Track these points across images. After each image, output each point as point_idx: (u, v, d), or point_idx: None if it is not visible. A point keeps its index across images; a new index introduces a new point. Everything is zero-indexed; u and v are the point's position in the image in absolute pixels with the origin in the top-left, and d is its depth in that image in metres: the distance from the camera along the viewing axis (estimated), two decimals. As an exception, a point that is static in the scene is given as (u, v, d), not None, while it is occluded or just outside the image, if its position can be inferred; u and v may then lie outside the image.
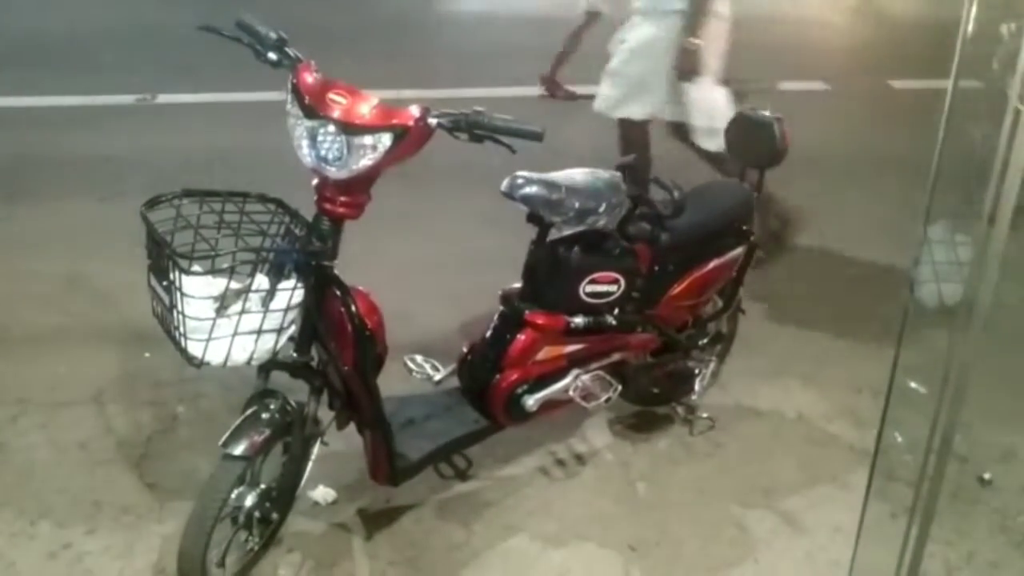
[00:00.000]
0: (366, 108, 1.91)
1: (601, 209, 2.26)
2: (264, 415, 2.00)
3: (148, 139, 5.04)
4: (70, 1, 8.04)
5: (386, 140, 1.87)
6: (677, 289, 2.53)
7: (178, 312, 1.82)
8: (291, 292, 1.90)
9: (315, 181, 1.97)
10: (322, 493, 2.42)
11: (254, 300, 1.86)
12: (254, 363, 1.94)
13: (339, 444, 2.33)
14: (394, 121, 1.89)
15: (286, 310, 1.90)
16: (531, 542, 2.35)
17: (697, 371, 2.77)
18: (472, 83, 5.87)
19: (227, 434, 1.95)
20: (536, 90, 5.82)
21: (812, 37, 7.57)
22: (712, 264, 2.58)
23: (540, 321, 2.33)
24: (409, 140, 1.90)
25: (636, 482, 2.58)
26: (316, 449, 2.20)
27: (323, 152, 1.89)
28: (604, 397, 2.49)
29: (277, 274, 1.91)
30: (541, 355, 2.37)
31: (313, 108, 1.90)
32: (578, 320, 2.36)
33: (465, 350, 2.47)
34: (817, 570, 2.29)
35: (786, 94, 5.90)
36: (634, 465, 2.64)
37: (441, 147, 2.02)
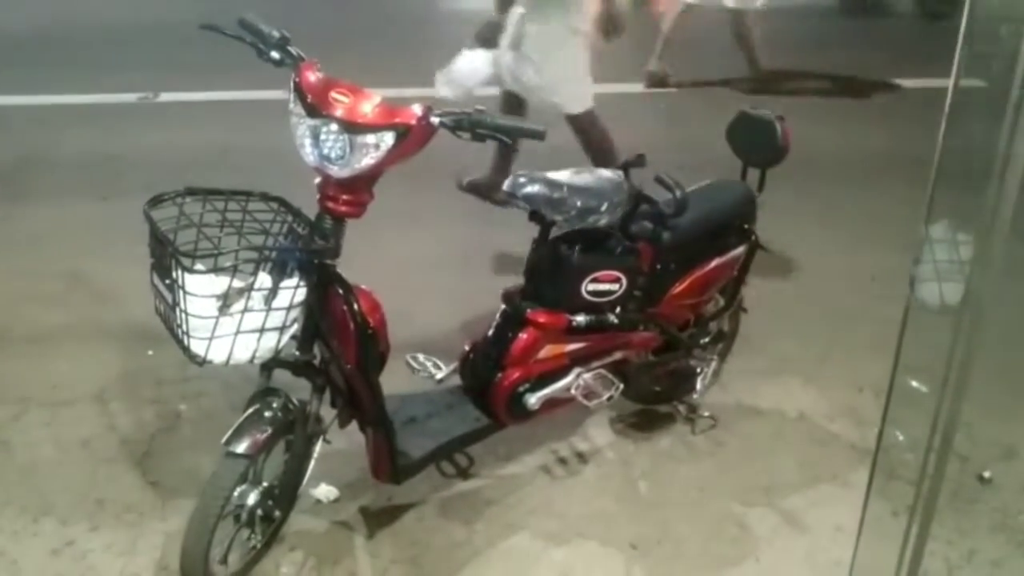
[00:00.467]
0: (368, 107, 1.91)
1: (603, 208, 2.26)
2: (267, 413, 2.01)
3: (150, 138, 5.05)
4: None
5: (388, 139, 1.88)
6: (679, 288, 2.53)
7: (181, 310, 1.82)
8: (294, 290, 1.90)
9: (318, 180, 1.97)
10: (324, 491, 2.42)
11: (257, 298, 1.87)
12: (256, 361, 1.95)
13: (341, 442, 2.33)
14: (396, 120, 1.89)
15: (289, 308, 1.90)
16: (533, 540, 2.35)
17: (699, 370, 2.77)
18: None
19: (229, 432, 1.96)
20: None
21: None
22: (714, 263, 2.58)
23: (542, 320, 2.33)
24: (411, 139, 1.90)
25: (638, 481, 2.59)
26: (318, 447, 2.21)
27: (326, 151, 1.90)
28: (606, 396, 2.49)
29: (280, 272, 1.91)
30: (543, 353, 2.37)
31: (316, 107, 1.91)
32: (580, 319, 2.36)
33: (467, 348, 2.48)
34: (818, 569, 2.29)
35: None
36: (636, 464, 2.65)
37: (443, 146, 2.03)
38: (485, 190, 4.23)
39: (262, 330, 1.88)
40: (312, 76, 1.96)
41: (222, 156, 4.69)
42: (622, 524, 2.41)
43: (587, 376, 2.45)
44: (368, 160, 1.89)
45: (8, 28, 7.24)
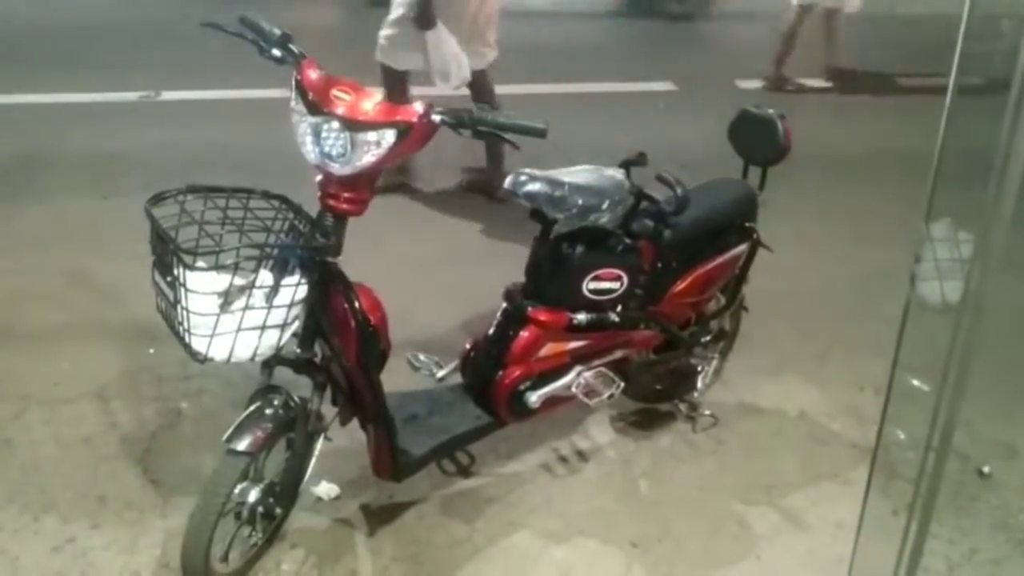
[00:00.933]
0: (370, 104, 1.91)
1: (604, 206, 2.26)
2: (268, 411, 2.01)
3: (151, 136, 5.06)
4: (74, -2, 8.05)
5: (390, 137, 1.88)
6: (680, 286, 2.54)
7: (182, 308, 1.82)
8: (295, 288, 1.90)
9: (319, 177, 1.97)
10: (325, 489, 2.42)
11: (258, 296, 1.87)
12: (258, 359, 1.95)
13: (342, 440, 2.34)
14: (398, 118, 1.89)
15: (290, 306, 1.90)
16: (533, 538, 2.35)
17: (700, 368, 2.77)
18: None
19: (231, 430, 1.96)
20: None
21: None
22: (715, 261, 2.58)
23: (543, 318, 2.33)
24: (413, 136, 1.90)
25: (638, 479, 2.59)
26: (319, 445, 2.21)
27: (327, 148, 1.90)
28: (607, 394, 2.49)
29: (281, 270, 1.92)
30: (544, 352, 2.37)
31: (317, 105, 1.91)
32: (581, 317, 2.36)
33: (468, 346, 2.48)
34: (819, 567, 2.29)
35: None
36: (636, 462, 2.65)
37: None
38: (486, 187, 4.25)
39: (263, 327, 1.88)
40: (313, 74, 1.96)
41: (223, 155, 4.69)
42: (623, 522, 2.42)
43: (588, 374, 2.45)
44: (369, 158, 1.89)
45: (8, 26, 7.24)
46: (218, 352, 1.85)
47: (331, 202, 1.96)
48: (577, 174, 2.28)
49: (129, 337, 3.12)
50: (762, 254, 2.71)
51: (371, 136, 1.87)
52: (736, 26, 8.53)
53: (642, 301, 2.49)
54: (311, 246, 1.94)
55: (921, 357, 1.56)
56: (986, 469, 2.59)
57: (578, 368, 2.44)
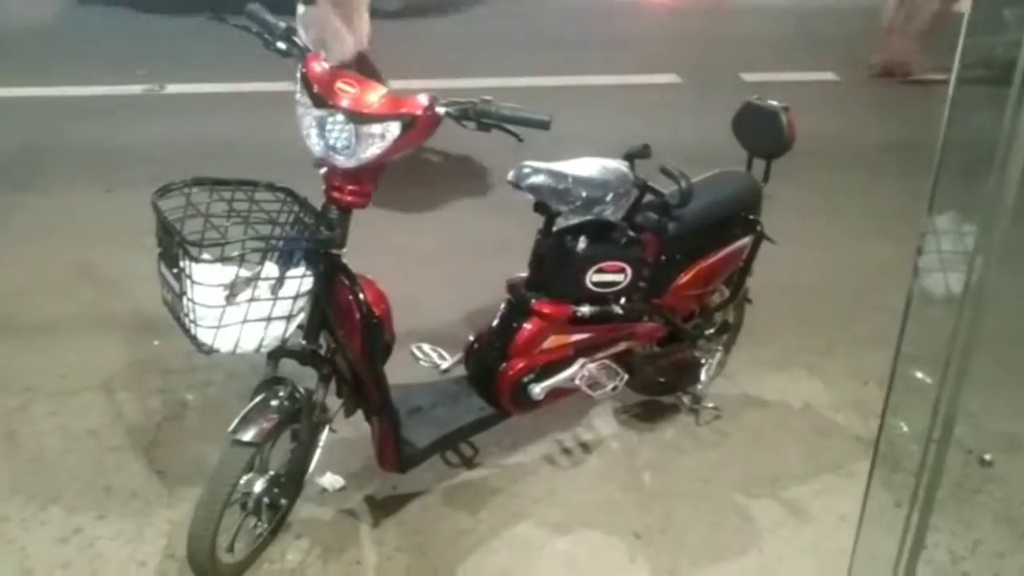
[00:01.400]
0: (374, 97, 1.92)
1: (608, 198, 2.27)
2: (273, 402, 2.02)
3: (156, 129, 5.06)
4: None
5: (394, 129, 1.88)
6: (684, 278, 2.54)
7: (188, 299, 1.83)
8: (300, 280, 1.91)
9: (323, 170, 1.98)
10: (330, 480, 2.43)
11: (263, 288, 1.88)
12: (263, 350, 1.96)
13: (347, 431, 2.35)
14: (402, 110, 1.90)
15: (295, 298, 1.91)
16: (537, 529, 2.36)
17: (703, 361, 2.78)
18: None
19: (236, 420, 1.97)
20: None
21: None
22: (719, 254, 2.58)
23: (547, 310, 2.34)
24: (417, 129, 1.91)
25: (642, 471, 2.59)
26: (324, 436, 2.22)
27: (332, 141, 1.90)
28: (610, 386, 2.50)
29: (286, 262, 1.93)
30: (548, 344, 2.38)
31: (322, 97, 1.91)
32: (585, 309, 2.37)
33: (472, 339, 2.49)
34: (822, 559, 2.30)
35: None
36: (640, 454, 2.65)
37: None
38: None
39: (269, 319, 1.89)
40: (318, 67, 1.96)
41: (228, 147, 4.70)
42: (626, 513, 2.42)
43: (592, 366, 2.46)
44: (374, 150, 1.89)
45: (12, 20, 7.24)
46: (224, 344, 1.87)
47: (336, 194, 1.96)
48: (581, 166, 2.28)
49: (134, 329, 3.14)
50: (766, 246, 2.71)
51: (376, 129, 1.88)
52: (739, 19, 8.51)
53: (646, 293, 2.49)
54: (316, 238, 1.95)
55: (924, 349, 1.56)
56: (988, 457, 2.59)
57: (582, 360, 2.44)
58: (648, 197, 2.38)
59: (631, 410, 2.82)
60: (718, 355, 2.82)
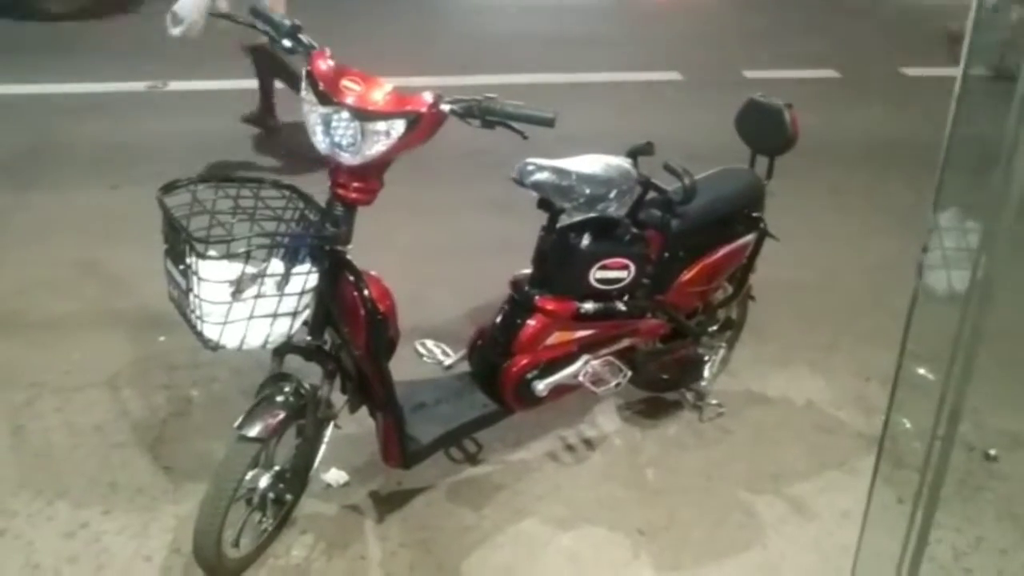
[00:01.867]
0: (380, 94, 1.92)
1: (611, 195, 2.27)
2: (278, 398, 2.03)
3: (159, 126, 5.06)
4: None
5: (399, 126, 1.89)
6: (687, 275, 2.54)
7: (194, 296, 1.84)
8: (305, 276, 1.92)
9: (329, 167, 1.98)
10: (335, 475, 2.44)
11: (269, 284, 1.88)
12: (269, 347, 1.97)
13: (351, 427, 2.36)
14: (407, 107, 1.91)
15: (300, 294, 1.92)
16: (541, 526, 2.37)
17: (706, 357, 2.78)
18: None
19: (242, 416, 1.98)
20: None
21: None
22: (722, 251, 2.59)
23: (550, 307, 2.34)
24: (422, 126, 1.91)
25: (645, 467, 2.60)
26: (329, 432, 2.23)
27: (337, 138, 1.91)
28: (614, 383, 2.51)
29: (292, 259, 1.93)
30: (551, 340, 2.38)
31: (327, 95, 1.92)
32: (588, 306, 2.37)
33: (475, 335, 2.49)
34: (825, 554, 2.30)
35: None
36: (643, 450, 2.66)
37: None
38: (260, 120, 4.71)
39: (274, 315, 1.90)
40: (324, 64, 1.97)
41: (232, 144, 4.70)
42: (630, 510, 2.43)
43: (595, 363, 2.46)
44: (379, 147, 1.90)
45: (14, 17, 7.23)
46: (230, 340, 1.87)
47: (341, 191, 1.97)
48: (584, 163, 2.29)
49: (139, 326, 3.14)
50: (769, 243, 2.72)
51: (381, 126, 1.88)
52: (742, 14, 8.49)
53: (649, 290, 2.50)
54: (321, 235, 1.95)
55: (928, 346, 1.57)
56: (993, 452, 2.60)
57: (585, 357, 2.45)
58: (651, 194, 2.39)
59: (634, 407, 2.83)
60: (721, 352, 2.83)
